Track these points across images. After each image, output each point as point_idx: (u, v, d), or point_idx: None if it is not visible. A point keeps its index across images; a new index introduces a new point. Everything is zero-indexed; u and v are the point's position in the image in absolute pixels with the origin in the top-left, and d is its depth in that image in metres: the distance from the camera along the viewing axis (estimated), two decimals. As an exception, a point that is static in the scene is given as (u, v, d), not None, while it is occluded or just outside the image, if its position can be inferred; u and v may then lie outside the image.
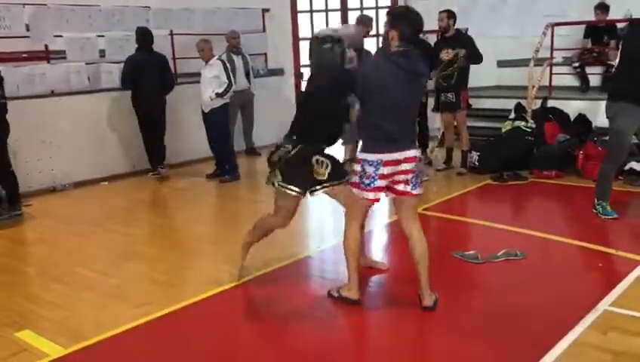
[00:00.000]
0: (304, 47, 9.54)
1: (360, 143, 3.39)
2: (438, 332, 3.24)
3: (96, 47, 7.24)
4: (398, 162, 3.25)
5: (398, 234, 3.71)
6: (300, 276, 4.14)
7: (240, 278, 3.89)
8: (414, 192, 3.32)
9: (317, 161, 3.52)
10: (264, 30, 9.04)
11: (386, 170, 3.24)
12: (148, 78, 6.90)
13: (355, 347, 3.28)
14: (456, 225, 5.23)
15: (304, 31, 9.53)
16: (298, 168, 3.52)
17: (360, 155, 3.30)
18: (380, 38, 7.10)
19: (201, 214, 5.97)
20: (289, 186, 3.50)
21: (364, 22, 6.73)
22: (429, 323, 3.35)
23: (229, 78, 6.89)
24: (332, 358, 3.02)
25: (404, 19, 3.15)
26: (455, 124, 6.96)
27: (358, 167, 3.29)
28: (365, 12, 9.21)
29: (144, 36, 6.98)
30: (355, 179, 3.32)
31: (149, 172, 7.31)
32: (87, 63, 7.12)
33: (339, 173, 3.61)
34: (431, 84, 6.70)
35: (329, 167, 3.52)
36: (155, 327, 3.36)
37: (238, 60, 7.77)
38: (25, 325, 3.39)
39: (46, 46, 6.88)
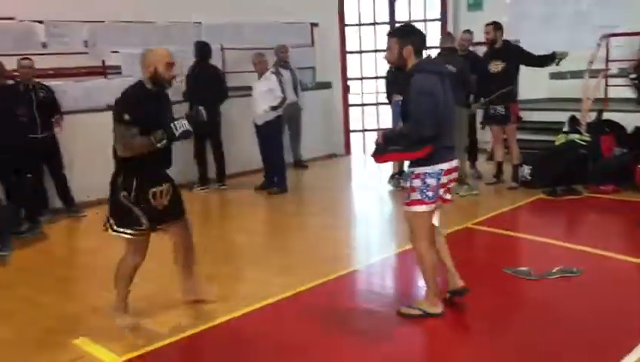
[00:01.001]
0: (352, 61, 9.59)
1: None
2: (501, 351, 3.16)
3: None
4: (452, 170, 3.33)
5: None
6: (351, 289, 4.13)
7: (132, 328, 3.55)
8: (450, 198, 3.45)
9: None
10: (312, 44, 9.13)
11: (445, 179, 3.29)
12: (203, 89, 7.04)
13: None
14: (507, 240, 5.12)
15: (352, 44, 9.57)
16: None
17: (419, 169, 3.26)
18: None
19: (250, 226, 6.03)
20: None
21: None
22: (484, 339, 3.28)
23: (283, 91, 6.99)
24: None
25: (412, 34, 3.36)
26: (505, 137, 6.84)
27: (417, 183, 3.26)
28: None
29: (202, 49, 7.15)
30: (416, 196, 3.28)
31: (197, 185, 7.42)
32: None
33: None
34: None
35: None
36: (209, 336, 3.40)
37: (286, 74, 7.86)
38: (81, 332, 3.49)
39: (103, 61, 7.12)
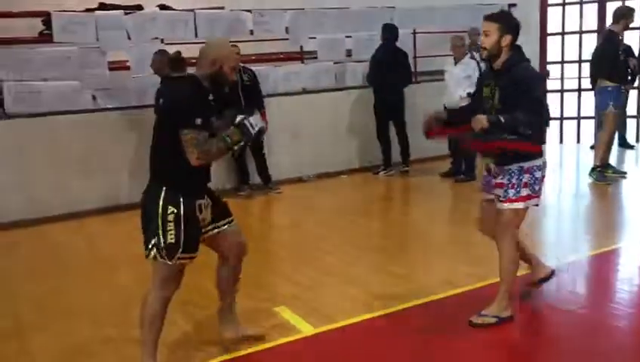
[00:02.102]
0: (553, 43, 8.95)
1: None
2: None
3: (343, 47, 7.67)
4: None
5: None
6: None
7: None
8: None
9: None
10: (508, 26, 8.68)
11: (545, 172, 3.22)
12: (387, 72, 7.09)
13: None
14: None
15: (554, 26, 8.91)
16: None
17: (528, 163, 3.11)
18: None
19: (435, 212, 5.97)
20: None
21: (625, 14, 6.14)
22: None
23: None
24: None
25: (515, 24, 3.15)
26: None
27: (527, 178, 3.11)
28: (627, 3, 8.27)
29: (389, 31, 7.18)
30: (526, 191, 3.12)
31: (381, 168, 7.51)
32: (335, 63, 7.59)
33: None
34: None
35: None
36: (393, 320, 3.44)
37: (479, 57, 7.59)
38: (281, 302, 3.74)
39: (301, 47, 7.50)
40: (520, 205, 3.14)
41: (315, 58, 7.56)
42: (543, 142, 3.27)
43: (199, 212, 2.76)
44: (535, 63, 8.82)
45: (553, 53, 8.99)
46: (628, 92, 6.60)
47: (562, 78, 8.97)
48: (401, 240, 5.01)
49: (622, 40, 6.60)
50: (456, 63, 6.83)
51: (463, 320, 3.28)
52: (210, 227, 2.91)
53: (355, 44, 7.72)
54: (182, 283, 2.86)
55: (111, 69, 6.46)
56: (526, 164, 3.10)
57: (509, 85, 3.06)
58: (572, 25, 8.88)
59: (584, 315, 3.42)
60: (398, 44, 7.25)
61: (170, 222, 2.67)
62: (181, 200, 2.70)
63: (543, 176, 3.18)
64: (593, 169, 6.57)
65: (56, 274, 4.59)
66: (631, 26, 6.49)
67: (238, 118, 2.80)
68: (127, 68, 6.59)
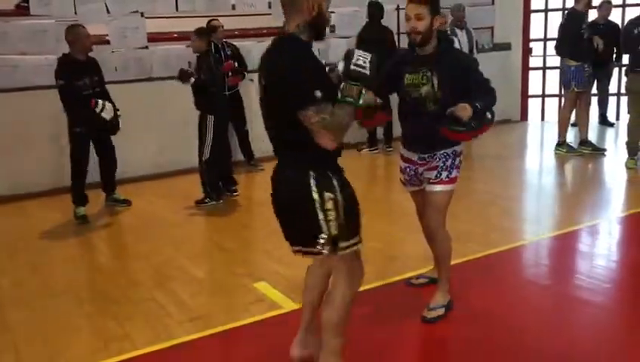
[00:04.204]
0: (536, 20, 8.95)
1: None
2: None
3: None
4: None
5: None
6: (520, 263, 3.97)
7: None
8: None
9: None
10: (492, 2, 8.66)
11: None
12: (372, 52, 7.03)
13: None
14: None
15: (537, 2, 8.90)
16: None
17: (459, 147, 3.06)
18: None
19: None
20: None
21: None
22: None
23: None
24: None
25: (438, 3, 2.96)
26: None
27: (457, 161, 3.07)
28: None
29: (376, 8, 7.15)
30: (455, 173, 3.05)
31: (365, 145, 7.50)
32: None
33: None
34: None
35: None
36: (374, 296, 3.47)
37: (462, 35, 7.56)
38: (261, 277, 3.76)
39: (284, 23, 7.40)
40: (451, 187, 3.05)
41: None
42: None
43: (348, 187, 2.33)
44: (517, 40, 8.88)
45: (537, 30, 8.99)
46: (592, 70, 6.55)
47: (544, 55, 8.97)
48: (380, 215, 5.03)
49: (586, 18, 6.59)
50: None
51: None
52: None
53: (339, 20, 7.65)
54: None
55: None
56: (458, 148, 3.04)
57: (451, 70, 2.90)
58: (555, 2, 8.87)
59: (559, 290, 3.48)
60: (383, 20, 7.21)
61: (329, 210, 2.23)
62: (334, 182, 2.26)
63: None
64: (558, 144, 6.79)
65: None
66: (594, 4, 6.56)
67: (340, 69, 2.15)
68: (107, 42, 6.49)
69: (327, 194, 2.23)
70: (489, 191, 5.64)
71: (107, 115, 5.03)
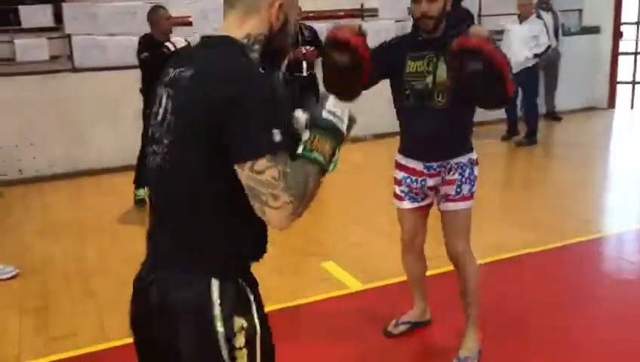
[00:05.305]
0: (628, 2, 8.46)
1: None
2: None
3: (405, 4, 7.47)
4: None
5: None
6: (596, 257, 3.83)
7: None
8: None
9: None
10: (582, -17, 8.27)
11: None
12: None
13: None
14: None
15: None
16: None
17: (474, 155, 2.63)
18: None
19: (493, 176, 5.86)
20: None
21: None
22: None
23: (549, 38, 6.55)
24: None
25: None
26: None
27: (476, 171, 2.64)
28: None
29: None
30: (475, 187, 2.63)
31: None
32: (396, 21, 7.44)
33: None
34: None
35: None
36: (441, 280, 3.45)
37: (547, 17, 7.27)
38: (329, 257, 3.83)
39: (362, 4, 7.39)
40: (472, 203, 2.59)
41: (376, 16, 7.44)
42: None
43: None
44: (608, 23, 8.43)
45: (630, 13, 8.51)
46: None
47: (637, 40, 8.48)
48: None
49: None
50: (521, 22, 6.58)
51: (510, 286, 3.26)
52: None
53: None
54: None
55: (174, 25, 6.56)
56: (474, 156, 2.58)
57: None
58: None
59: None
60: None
61: (239, 349, 1.34)
62: (251, 299, 1.41)
63: None
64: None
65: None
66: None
67: (303, 116, 1.39)
68: (190, 23, 6.69)
69: (239, 321, 1.34)
70: (567, 180, 5.45)
71: None
